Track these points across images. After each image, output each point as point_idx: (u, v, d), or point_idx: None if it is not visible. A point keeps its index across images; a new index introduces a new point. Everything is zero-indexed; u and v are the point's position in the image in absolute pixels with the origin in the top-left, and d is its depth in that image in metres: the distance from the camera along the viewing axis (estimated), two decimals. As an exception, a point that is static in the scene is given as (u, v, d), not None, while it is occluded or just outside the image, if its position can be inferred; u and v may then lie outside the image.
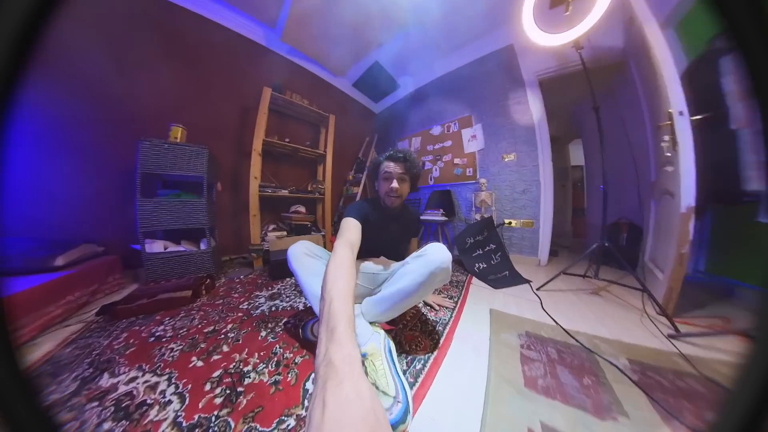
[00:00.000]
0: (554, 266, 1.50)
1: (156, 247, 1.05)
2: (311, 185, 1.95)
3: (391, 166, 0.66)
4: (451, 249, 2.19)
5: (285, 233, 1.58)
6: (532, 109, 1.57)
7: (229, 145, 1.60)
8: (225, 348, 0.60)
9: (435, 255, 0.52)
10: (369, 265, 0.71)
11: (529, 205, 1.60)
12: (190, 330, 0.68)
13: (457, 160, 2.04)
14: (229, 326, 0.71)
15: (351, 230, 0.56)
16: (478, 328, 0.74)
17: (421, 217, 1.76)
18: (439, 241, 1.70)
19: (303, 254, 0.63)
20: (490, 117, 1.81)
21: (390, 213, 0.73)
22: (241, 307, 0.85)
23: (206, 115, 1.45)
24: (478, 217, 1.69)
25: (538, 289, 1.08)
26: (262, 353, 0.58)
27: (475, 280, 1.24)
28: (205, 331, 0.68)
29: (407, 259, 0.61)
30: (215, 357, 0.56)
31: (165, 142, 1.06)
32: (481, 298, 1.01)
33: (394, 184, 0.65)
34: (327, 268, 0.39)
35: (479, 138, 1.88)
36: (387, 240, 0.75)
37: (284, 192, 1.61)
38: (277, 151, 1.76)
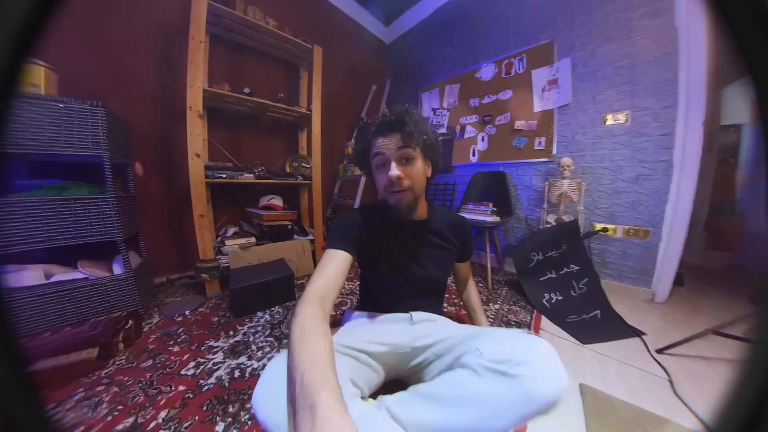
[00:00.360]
0: (678, 304, 1.35)
1: (29, 277, 0.94)
2: (290, 164, 1.87)
3: (381, 143, 0.57)
4: (501, 262, 2.02)
5: (253, 240, 1.51)
6: (679, 23, 1.23)
7: (145, 98, 1.41)
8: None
9: (541, 383, 0.41)
10: (391, 329, 0.60)
11: (646, 202, 1.40)
12: (92, 429, 0.61)
13: (519, 124, 1.84)
14: (163, 414, 0.65)
15: (325, 273, 0.51)
16: (564, 423, 0.65)
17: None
18: (484, 252, 1.64)
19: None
20: (588, 45, 1.53)
21: (406, 220, 0.65)
22: (184, 373, 0.80)
23: (93, 46, 1.23)
24: (551, 219, 1.55)
25: (661, 352, 0.94)
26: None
27: (544, 319, 1.17)
28: (120, 428, 0.61)
29: (470, 360, 0.46)
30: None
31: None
32: (560, 357, 0.89)
33: (393, 170, 0.55)
34: (289, 336, 0.39)
35: (564, 84, 1.63)
36: (409, 272, 0.65)
37: (248, 176, 1.52)
38: (231, 110, 1.64)
